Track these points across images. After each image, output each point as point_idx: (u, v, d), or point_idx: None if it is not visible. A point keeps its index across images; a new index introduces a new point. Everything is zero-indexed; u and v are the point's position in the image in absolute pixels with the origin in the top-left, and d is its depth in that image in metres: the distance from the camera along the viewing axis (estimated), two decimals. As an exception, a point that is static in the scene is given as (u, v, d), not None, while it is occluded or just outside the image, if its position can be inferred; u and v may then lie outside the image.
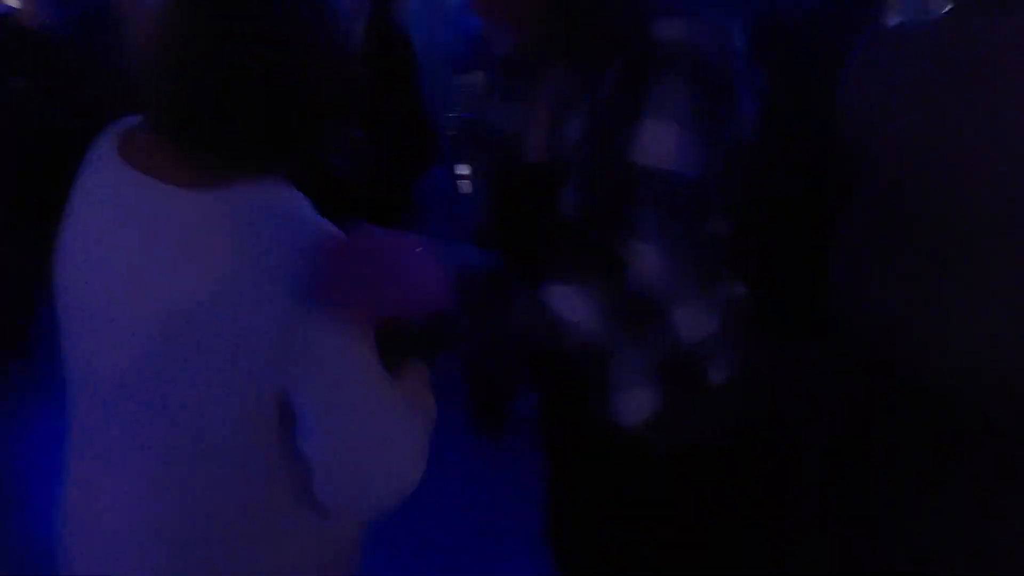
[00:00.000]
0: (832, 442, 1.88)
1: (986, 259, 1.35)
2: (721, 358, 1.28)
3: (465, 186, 3.45)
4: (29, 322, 3.88)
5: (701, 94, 1.00)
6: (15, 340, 3.86)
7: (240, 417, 0.95)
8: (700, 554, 1.40)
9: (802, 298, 2.25)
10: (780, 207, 2.20)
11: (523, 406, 2.92)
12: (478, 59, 3.10)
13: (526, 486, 1.77)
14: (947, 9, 1.47)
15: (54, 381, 1.14)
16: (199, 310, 0.91)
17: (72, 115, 4.64)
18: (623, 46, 1.03)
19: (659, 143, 1.00)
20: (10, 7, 4.83)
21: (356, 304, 0.93)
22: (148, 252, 0.95)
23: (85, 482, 1.06)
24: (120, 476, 1.00)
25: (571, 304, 1.05)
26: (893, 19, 2.50)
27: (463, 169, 3.53)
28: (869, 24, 2.19)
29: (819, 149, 2.07)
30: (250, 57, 0.87)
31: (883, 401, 1.63)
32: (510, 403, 3.14)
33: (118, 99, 1.07)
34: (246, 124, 0.90)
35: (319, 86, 0.93)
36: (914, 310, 1.47)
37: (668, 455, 1.30)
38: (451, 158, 3.73)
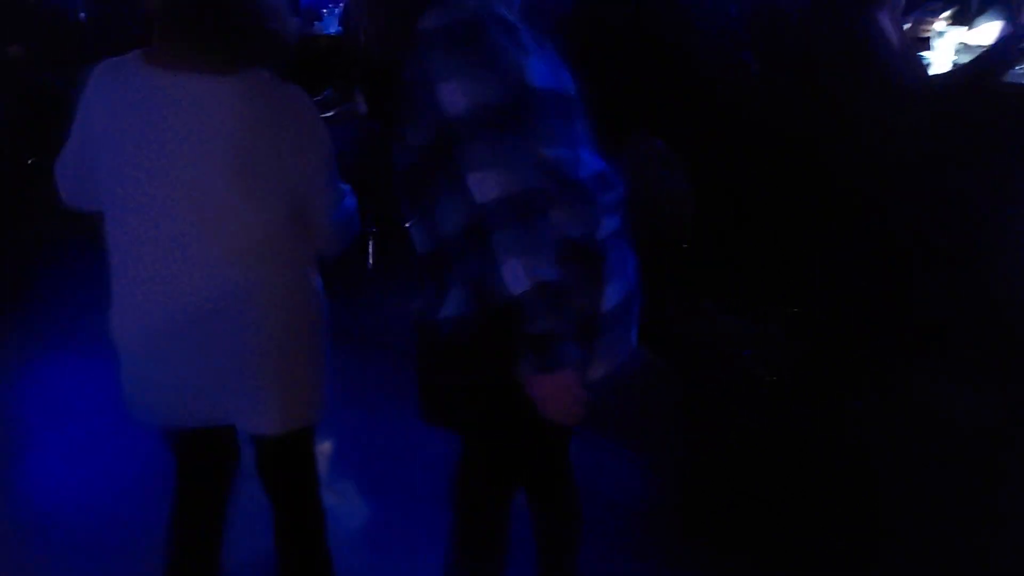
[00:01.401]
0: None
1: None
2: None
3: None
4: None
5: (465, 54, 1.25)
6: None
7: (269, 221, 1.46)
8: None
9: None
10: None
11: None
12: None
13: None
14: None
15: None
16: (227, 154, 1.39)
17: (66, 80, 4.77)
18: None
19: (453, 97, 1.25)
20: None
21: None
22: (186, 115, 1.40)
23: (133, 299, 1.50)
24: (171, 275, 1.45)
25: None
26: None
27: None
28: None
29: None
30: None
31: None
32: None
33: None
34: (235, 32, 1.40)
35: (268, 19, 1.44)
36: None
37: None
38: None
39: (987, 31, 2.54)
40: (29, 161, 4.78)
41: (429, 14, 1.28)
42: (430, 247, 1.37)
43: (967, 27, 2.62)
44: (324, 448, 2.61)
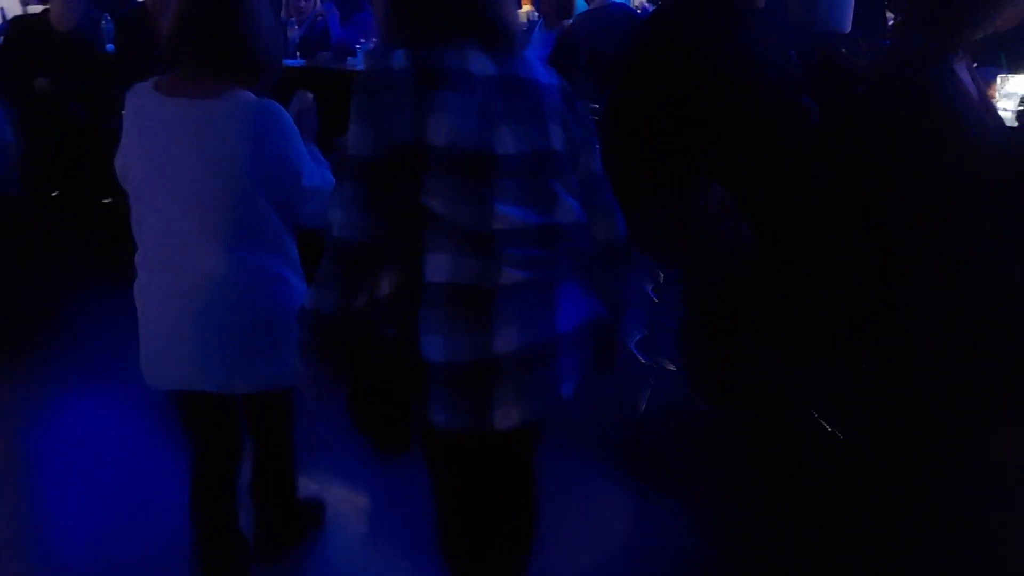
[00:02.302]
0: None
1: None
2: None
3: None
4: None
5: (360, 104, 1.41)
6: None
7: (253, 206, 1.78)
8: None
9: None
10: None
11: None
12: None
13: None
14: None
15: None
16: (219, 157, 1.73)
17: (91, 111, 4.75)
18: None
19: (349, 139, 1.41)
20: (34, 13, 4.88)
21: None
22: (182, 134, 1.76)
23: (151, 282, 1.84)
24: (184, 254, 1.79)
25: None
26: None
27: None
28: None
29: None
30: (224, 37, 1.77)
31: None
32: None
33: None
34: (223, 65, 1.77)
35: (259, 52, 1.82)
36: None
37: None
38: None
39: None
40: (54, 194, 4.75)
41: (365, 60, 1.61)
42: None
43: (1028, 76, 2.58)
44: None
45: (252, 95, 1.78)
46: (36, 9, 4.86)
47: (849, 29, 3.08)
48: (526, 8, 6.05)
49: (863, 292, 2.17)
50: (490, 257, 1.41)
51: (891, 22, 3.98)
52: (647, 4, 5.26)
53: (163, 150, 1.76)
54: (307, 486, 2.37)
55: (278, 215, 1.83)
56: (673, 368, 2.74)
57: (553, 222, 1.47)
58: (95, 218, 4.56)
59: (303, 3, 5.05)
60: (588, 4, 5.62)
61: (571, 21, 3.99)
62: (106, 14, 5.10)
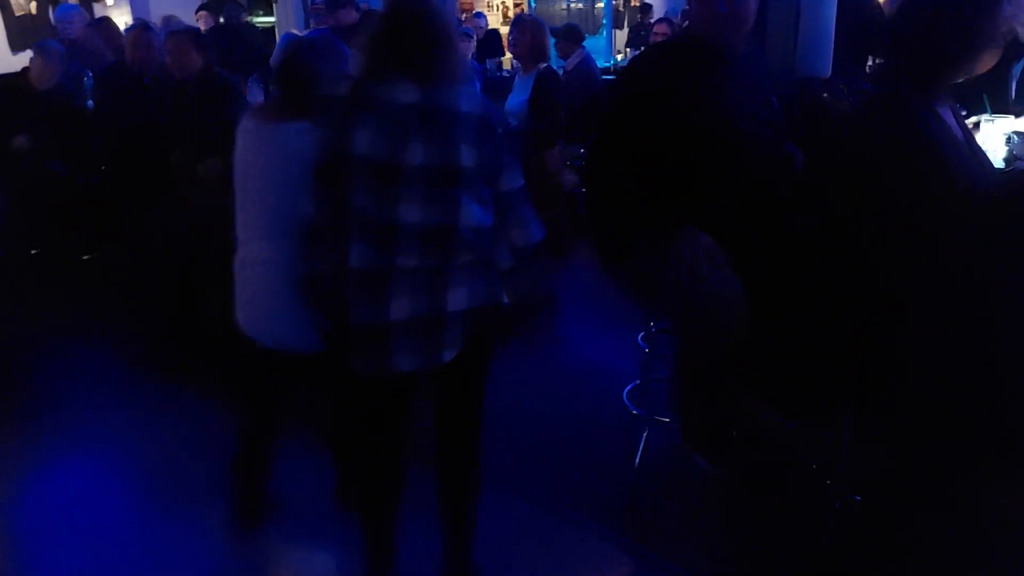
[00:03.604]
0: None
1: None
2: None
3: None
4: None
5: (318, 120, 1.91)
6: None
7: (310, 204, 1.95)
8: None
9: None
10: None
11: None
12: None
13: None
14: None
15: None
16: (289, 168, 2.04)
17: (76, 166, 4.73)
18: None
19: None
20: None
21: None
22: (264, 149, 2.21)
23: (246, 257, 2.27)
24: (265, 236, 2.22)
25: None
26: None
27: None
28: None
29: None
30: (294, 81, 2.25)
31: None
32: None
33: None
34: (295, 100, 2.19)
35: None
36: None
37: None
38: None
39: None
40: (32, 252, 4.69)
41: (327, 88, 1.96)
42: None
43: (1012, 115, 2.56)
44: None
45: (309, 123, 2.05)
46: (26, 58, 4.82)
47: (829, 74, 3.09)
48: (509, 56, 6.11)
49: (856, 342, 2.12)
50: (391, 246, 1.82)
51: (869, 66, 4.03)
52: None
53: (248, 158, 2.26)
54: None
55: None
56: (666, 420, 2.67)
57: (451, 224, 1.83)
58: (75, 275, 4.50)
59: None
60: (562, 59, 5.70)
61: (545, 65, 4.12)
62: (87, 70, 5.11)
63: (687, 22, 3.31)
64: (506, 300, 1.96)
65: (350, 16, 5.22)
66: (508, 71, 6.52)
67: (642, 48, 8.74)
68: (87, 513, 2.68)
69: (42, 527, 2.63)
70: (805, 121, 2.61)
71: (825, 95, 2.77)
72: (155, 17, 6.28)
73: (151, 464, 2.94)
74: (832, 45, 3.12)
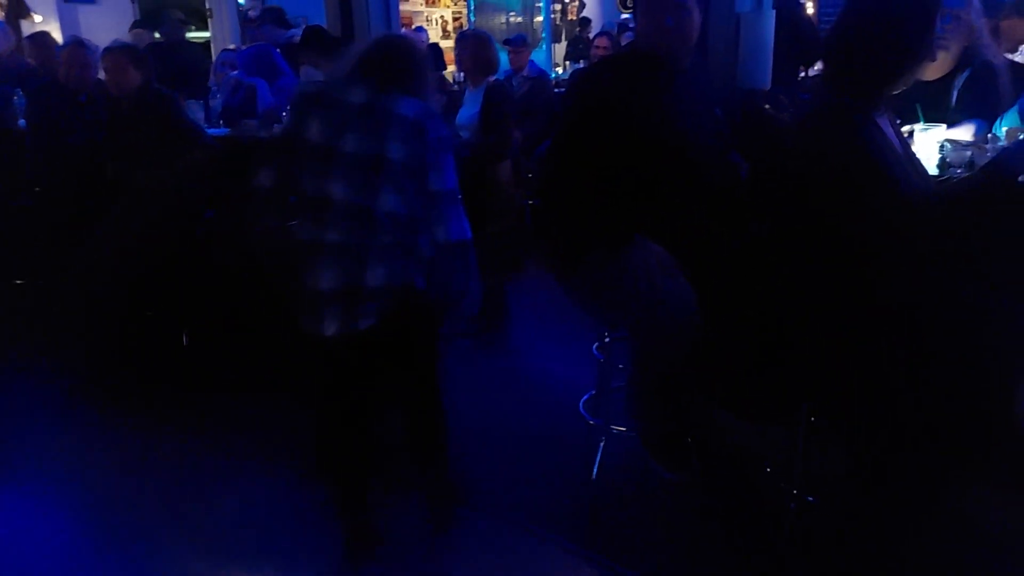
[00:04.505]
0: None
1: None
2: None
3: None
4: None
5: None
6: None
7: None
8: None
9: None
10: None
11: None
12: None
13: None
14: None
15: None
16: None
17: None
18: None
19: None
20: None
21: None
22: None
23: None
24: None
25: None
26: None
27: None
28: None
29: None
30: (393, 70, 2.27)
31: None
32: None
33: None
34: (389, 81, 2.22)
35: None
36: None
37: None
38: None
39: (968, 129, 2.59)
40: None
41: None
42: None
43: (944, 125, 2.66)
44: None
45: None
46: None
47: (769, 86, 3.17)
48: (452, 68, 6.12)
49: (808, 345, 2.17)
50: (322, 220, 2.13)
51: (801, 77, 4.14)
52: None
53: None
54: None
55: None
56: (623, 429, 2.69)
57: (371, 206, 2.12)
58: (10, 300, 4.34)
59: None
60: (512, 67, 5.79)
61: (495, 78, 4.13)
62: (18, 88, 4.94)
63: (632, 36, 3.35)
64: (422, 284, 2.22)
65: (275, 33, 5.51)
66: (454, 84, 6.52)
67: (581, 61, 8.88)
68: (30, 546, 2.58)
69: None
70: (748, 131, 2.67)
71: (767, 106, 2.83)
72: (86, 35, 6.12)
73: (94, 495, 2.85)
74: (771, 58, 3.20)
